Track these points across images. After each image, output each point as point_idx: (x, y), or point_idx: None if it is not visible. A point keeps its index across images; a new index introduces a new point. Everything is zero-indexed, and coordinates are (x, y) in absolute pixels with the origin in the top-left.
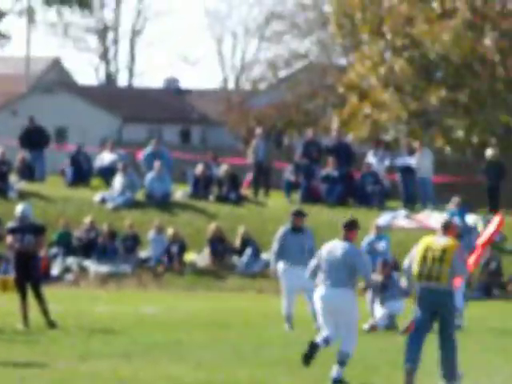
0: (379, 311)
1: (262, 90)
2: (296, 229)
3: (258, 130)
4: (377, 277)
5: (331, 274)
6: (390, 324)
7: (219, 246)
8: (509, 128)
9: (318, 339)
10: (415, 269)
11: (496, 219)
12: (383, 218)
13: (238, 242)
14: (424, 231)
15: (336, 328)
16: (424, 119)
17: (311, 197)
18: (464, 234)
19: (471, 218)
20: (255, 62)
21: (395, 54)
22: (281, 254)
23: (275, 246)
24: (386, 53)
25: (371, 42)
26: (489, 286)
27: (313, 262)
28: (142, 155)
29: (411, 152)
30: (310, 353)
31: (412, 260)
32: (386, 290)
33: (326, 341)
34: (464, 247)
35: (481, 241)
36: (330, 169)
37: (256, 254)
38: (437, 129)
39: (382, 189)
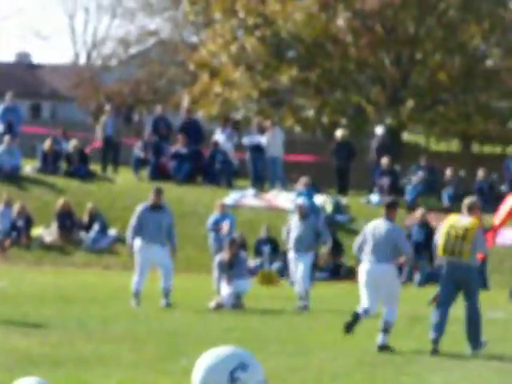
0: (226, 290)
1: (113, 67)
2: (155, 206)
3: (108, 106)
4: (223, 255)
5: (375, 251)
6: (237, 303)
7: (67, 221)
8: (359, 108)
9: (360, 310)
10: (440, 244)
11: (510, 198)
12: (231, 197)
13: (85, 218)
14: (272, 210)
15: (376, 300)
16: (275, 98)
17: (160, 174)
18: (311, 214)
19: (320, 199)
20: (107, 39)
21: (247, 32)
22: (138, 231)
23: (133, 221)
24: (238, 31)
25: (223, 20)
26: (336, 267)
27: (359, 239)
28: None
29: (261, 131)
30: (352, 322)
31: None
32: (232, 269)
33: (366, 312)
34: (309, 227)
35: (498, 220)
36: (179, 146)
37: (103, 230)
38: (287, 108)
39: (230, 167)
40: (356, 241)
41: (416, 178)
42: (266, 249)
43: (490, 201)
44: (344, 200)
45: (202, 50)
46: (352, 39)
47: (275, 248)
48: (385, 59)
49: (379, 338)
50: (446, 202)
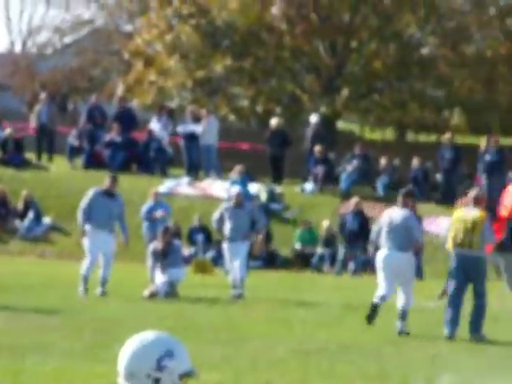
0: (160, 278)
1: (48, 55)
2: (108, 193)
3: (43, 95)
4: (157, 244)
5: (392, 238)
6: (171, 291)
7: (2, 209)
8: (294, 97)
9: (376, 300)
10: (450, 237)
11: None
12: (166, 185)
13: (20, 206)
14: (206, 199)
15: (392, 287)
16: (209, 87)
17: (94, 162)
18: (245, 202)
19: (254, 187)
20: (42, 27)
21: (182, 21)
22: (88, 216)
23: (84, 205)
24: (173, 20)
25: (159, 8)
26: (271, 255)
27: (376, 227)
28: None
29: (196, 119)
30: (372, 313)
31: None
32: (166, 258)
33: (383, 298)
34: (246, 215)
35: (505, 211)
36: (113, 134)
37: (38, 218)
38: (222, 97)
39: (164, 155)
40: (373, 229)
41: (350, 166)
42: (199, 237)
43: (424, 189)
44: (278, 188)
45: (136, 38)
46: (287, 28)
47: (209, 237)
48: (320, 48)
49: (398, 325)
50: (380, 190)
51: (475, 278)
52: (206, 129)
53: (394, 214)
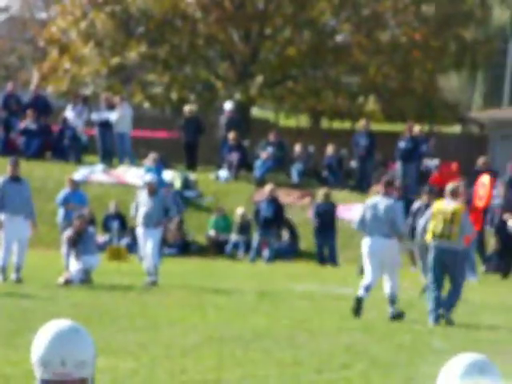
0: (74, 265)
1: None
2: (14, 178)
3: None
4: (71, 231)
5: (376, 226)
6: (85, 278)
7: None
8: (208, 84)
9: (360, 293)
10: (429, 229)
11: (485, 179)
12: (80, 172)
13: None
14: (121, 186)
15: (378, 274)
16: (124, 74)
17: (9, 149)
18: (160, 190)
19: (168, 174)
20: None
21: (97, 8)
22: (2, 205)
23: None
24: (88, 7)
25: None
26: (185, 243)
27: (359, 215)
28: None
29: (110, 107)
30: (357, 306)
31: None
32: (80, 245)
33: (367, 288)
34: (158, 202)
35: (481, 202)
36: (28, 122)
37: None
38: (136, 84)
39: (79, 143)
40: (357, 217)
41: (265, 153)
42: (115, 224)
43: (339, 176)
44: (193, 176)
45: (51, 26)
46: (201, 15)
47: (123, 224)
48: (234, 35)
49: (389, 311)
50: (295, 177)
51: (452, 269)
52: (120, 116)
53: (377, 202)
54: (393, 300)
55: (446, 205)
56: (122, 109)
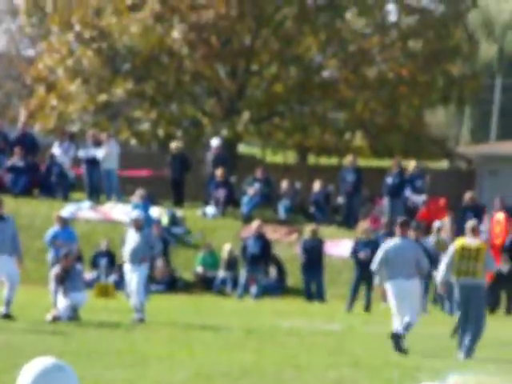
0: (62, 302)
1: None
2: None
3: None
4: (57, 269)
5: (400, 268)
6: (73, 315)
7: None
8: (195, 121)
9: (399, 329)
10: (455, 267)
11: (500, 216)
12: (67, 209)
13: None
14: (108, 223)
15: (405, 312)
16: (110, 111)
17: None
18: (146, 227)
19: (155, 211)
20: None
21: (83, 45)
22: None
23: None
24: (75, 44)
25: (60, 33)
26: (173, 279)
27: (378, 258)
28: None
29: (97, 143)
30: (397, 342)
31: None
32: (68, 281)
33: (409, 326)
34: (143, 239)
35: (497, 239)
36: (15, 159)
37: None
38: (123, 121)
39: (66, 180)
40: (375, 260)
41: (252, 190)
42: (103, 261)
43: (326, 212)
44: (180, 212)
45: (38, 63)
46: (187, 51)
47: (112, 261)
48: (220, 71)
49: (397, 328)
50: (282, 213)
51: (476, 304)
52: (106, 153)
53: (397, 244)
54: (407, 328)
55: (468, 242)
56: (108, 146)
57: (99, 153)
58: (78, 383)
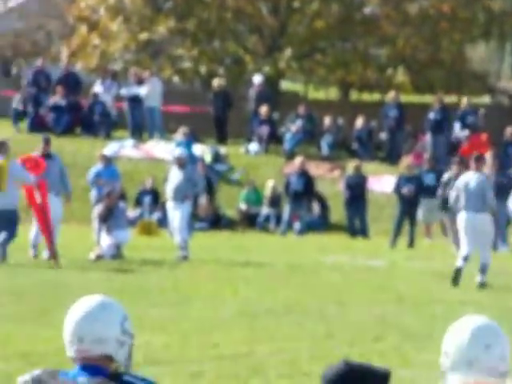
0: (105, 240)
1: None
2: (46, 155)
3: None
4: (101, 207)
5: (471, 201)
6: (116, 253)
7: None
8: (236, 58)
9: (459, 263)
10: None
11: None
12: (110, 148)
13: None
14: (151, 160)
15: (474, 246)
16: (152, 49)
17: (39, 126)
18: (189, 164)
19: (199, 148)
20: None
21: None
22: None
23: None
24: None
25: None
26: (216, 217)
27: (453, 192)
28: None
29: (139, 81)
30: (456, 275)
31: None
32: (111, 220)
33: (466, 258)
34: (186, 177)
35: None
36: (58, 98)
37: None
38: (165, 59)
39: (109, 118)
40: (451, 195)
41: (295, 126)
42: (147, 199)
43: (369, 148)
44: (223, 149)
45: (80, 2)
46: None
47: (156, 199)
48: (262, 8)
49: (478, 278)
50: (325, 150)
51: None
52: (149, 91)
53: (470, 178)
54: (484, 269)
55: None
56: (151, 83)
57: (142, 91)
58: (127, 319)
